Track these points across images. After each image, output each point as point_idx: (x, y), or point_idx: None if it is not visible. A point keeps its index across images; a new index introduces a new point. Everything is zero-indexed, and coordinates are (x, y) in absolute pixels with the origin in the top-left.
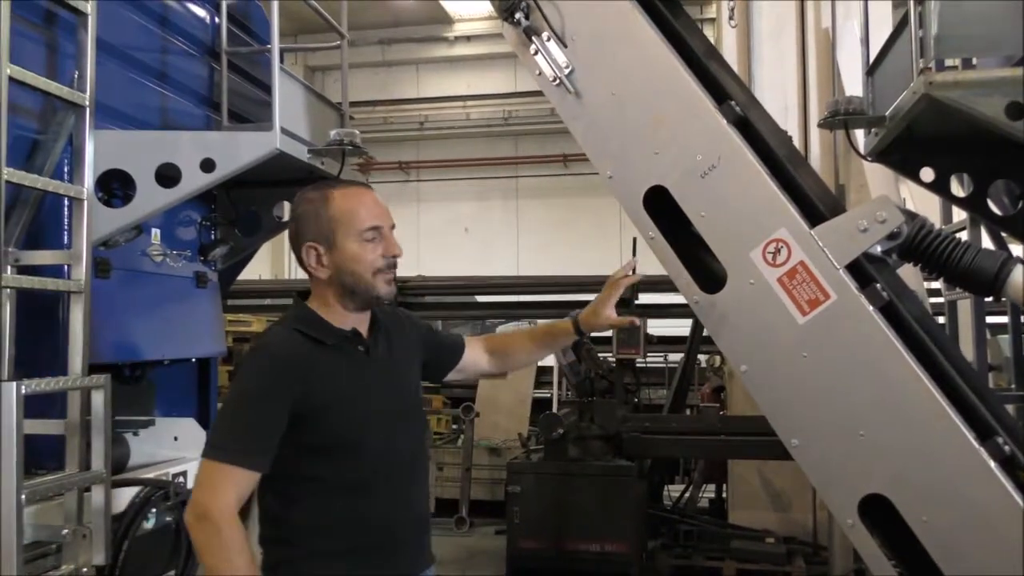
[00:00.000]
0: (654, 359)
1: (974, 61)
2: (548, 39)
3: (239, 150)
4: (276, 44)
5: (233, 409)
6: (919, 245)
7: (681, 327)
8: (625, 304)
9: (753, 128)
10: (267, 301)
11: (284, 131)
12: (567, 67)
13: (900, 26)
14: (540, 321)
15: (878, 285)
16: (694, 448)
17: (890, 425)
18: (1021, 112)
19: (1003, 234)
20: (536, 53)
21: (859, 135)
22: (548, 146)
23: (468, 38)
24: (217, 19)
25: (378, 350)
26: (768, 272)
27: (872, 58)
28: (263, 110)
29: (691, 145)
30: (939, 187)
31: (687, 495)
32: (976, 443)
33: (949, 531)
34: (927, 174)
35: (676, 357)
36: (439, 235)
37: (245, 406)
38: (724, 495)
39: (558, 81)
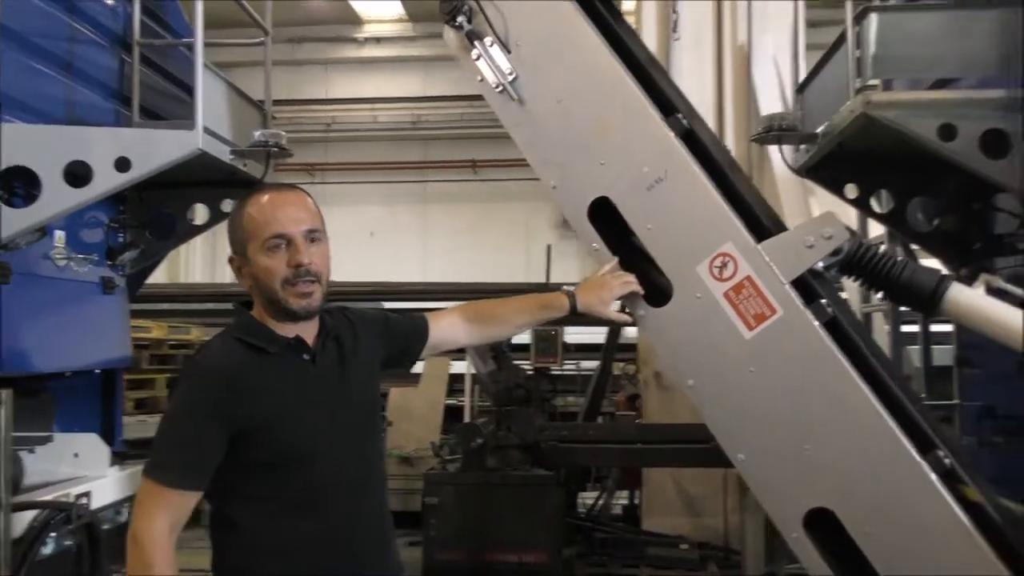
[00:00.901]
0: (567, 366)
1: (892, 83)
2: (491, 44)
3: (157, 149)
4: (200, 38)
5: (168, 426)
6: (859, 261)
7: (594, 334)
8: None
9: (698, 141)
10: (165, 306)
11: (206, 130)
12: (511, 73)
13: (835, 46)
14: None
15: (823, 300)
16: (613, 457)
17: (835, 439)
18: (952, 133)
19: (913, 248)
20: (478, 58)
21: (773, 150)
22: (457, 152)
23: (378, 40)
24: (129, 8)
25: (325, 359)
26: (714, 286)
27: (801, 76)
28: (176, 106)
29: (638, 157)
30: (862, 203)
31: (601, 502)
32: (918, 456)
33: (891, 543)
34: (851, 190)
35: (588, 364)
36: (345, 239)
37: (179, 423)
38: (636, 502)
39: (501, 88)
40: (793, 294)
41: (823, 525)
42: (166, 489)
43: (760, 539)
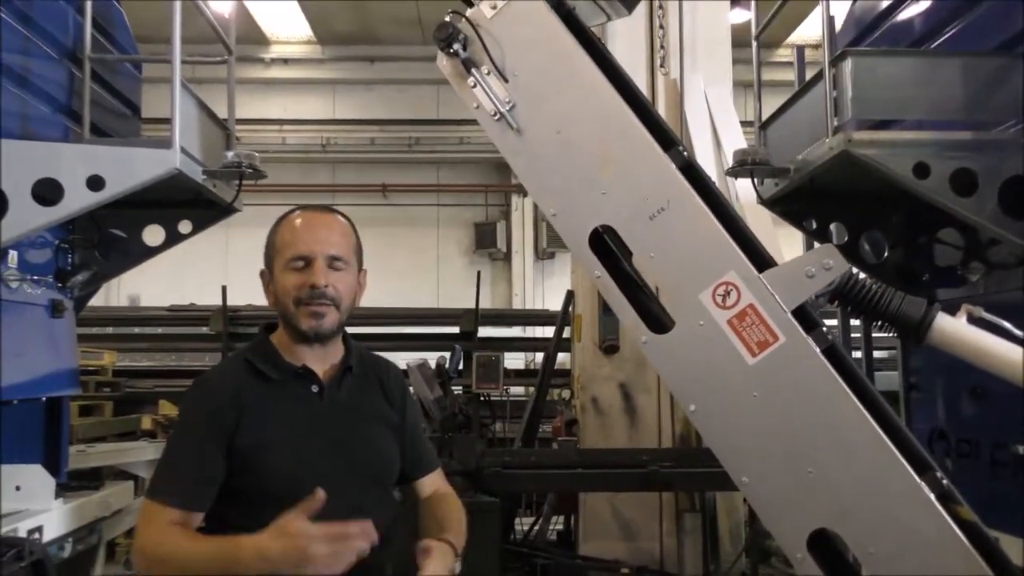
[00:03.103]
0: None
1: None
2: (488, 73)
3: (133, 167)
4: (177, 55)
5: (170, 445)
6: (850, 291)
7: (516, 360)
8: (468, 337)
9: (697, 172)
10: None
11: (180, 149)
12: (508, 102)
13: (804, 88)
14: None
15: (824, 328)
16: (557, 482)
17: (837, 462)
18: (926, 171)
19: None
20: (474, 86)
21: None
22: (367, 175)
23: (285, 61)
24: (79, 18)
25: (340, 394)
26: (718, 314)
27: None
28: (122, 123)
29: (640, 187)
30: (820, 235)
31: (537, 528)
32: (917, 477)
33: (893, 562)
34: (811, 223)
35: (515, 390)
36: (250, 262)
37: (179, 441)
38: (572, 526)
39: (498, 116)
40: (795, 322)
41: (819, 549)
42: (168, 508)
43: (699, 563)
